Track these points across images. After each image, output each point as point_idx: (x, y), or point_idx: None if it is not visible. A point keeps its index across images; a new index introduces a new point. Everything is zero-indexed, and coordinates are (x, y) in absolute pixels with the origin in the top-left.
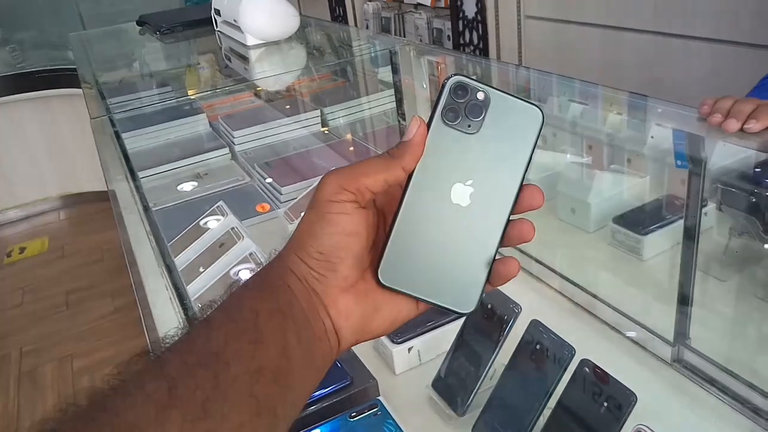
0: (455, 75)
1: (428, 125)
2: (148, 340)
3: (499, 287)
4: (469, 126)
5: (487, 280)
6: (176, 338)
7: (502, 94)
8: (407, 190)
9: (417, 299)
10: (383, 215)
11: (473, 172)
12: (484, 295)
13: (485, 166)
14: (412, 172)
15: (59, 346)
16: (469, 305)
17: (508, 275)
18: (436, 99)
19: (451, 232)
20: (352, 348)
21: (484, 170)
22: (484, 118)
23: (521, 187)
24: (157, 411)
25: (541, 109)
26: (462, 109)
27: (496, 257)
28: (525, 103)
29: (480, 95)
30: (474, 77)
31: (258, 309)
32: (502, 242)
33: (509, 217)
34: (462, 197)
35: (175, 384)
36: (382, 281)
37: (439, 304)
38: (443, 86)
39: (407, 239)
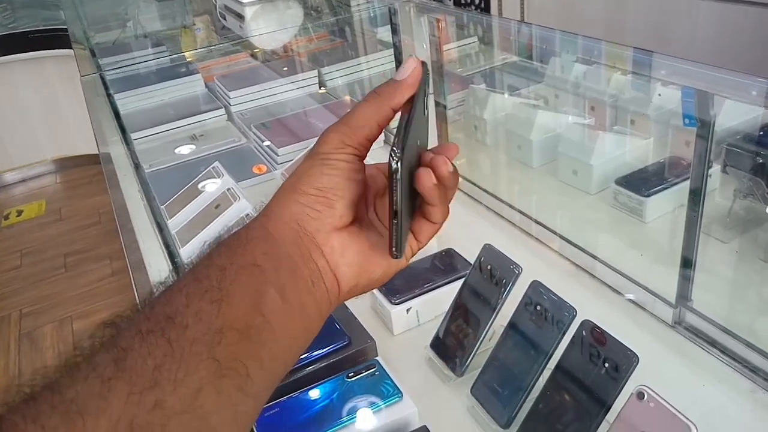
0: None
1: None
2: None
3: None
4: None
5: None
6: (142, 306)
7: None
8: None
9: None
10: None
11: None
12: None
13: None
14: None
15: (58, 308)
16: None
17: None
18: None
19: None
20: (351, 309)
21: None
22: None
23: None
24: (101, 384)
25: (423, 62)
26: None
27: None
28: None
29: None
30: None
31: (226, 265)
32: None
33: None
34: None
35: (124, 355)
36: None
37: None
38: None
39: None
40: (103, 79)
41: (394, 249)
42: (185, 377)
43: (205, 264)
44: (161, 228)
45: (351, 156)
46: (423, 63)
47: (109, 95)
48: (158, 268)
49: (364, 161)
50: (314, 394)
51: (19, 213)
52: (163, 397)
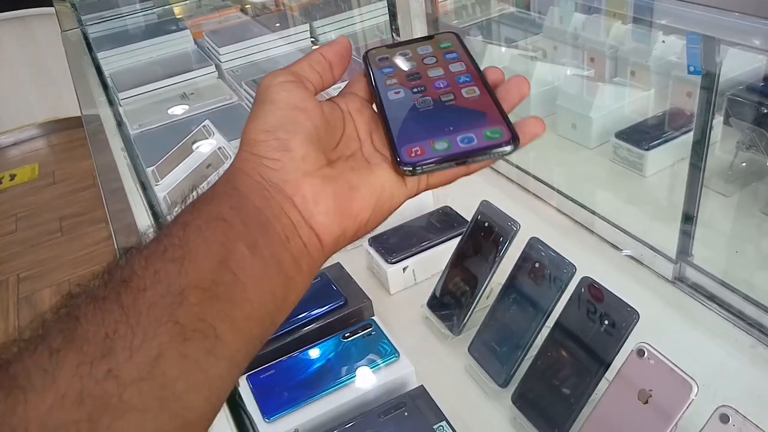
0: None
1: (376, 97)
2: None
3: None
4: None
5: (508, 119)
6: (101, 272)
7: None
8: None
9: (453, 161)
10: (352, 116)
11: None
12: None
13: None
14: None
15: (56, 272)
16: (506, 137)
17: (535, 131)
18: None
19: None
20: (346, 268)
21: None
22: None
23: (480, 70)
24: (48, 356)
25: (453, 32)
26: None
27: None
28: (438, 34)
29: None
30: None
31: (188, 222)
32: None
33: (486, 82)
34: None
35: (74, 324)
36: (407, 162)
37: (478, 148)
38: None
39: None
40: (85, 35)
41: (398, 159)
42: (142, 344)
43: (169, 224)
44: (145, 188)
45: (290, 84)
46: (456, 34)
47: (90, 50)
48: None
49: (310, 92)
50: (310, 354)
51: (12, 177)
52: (116, 366)
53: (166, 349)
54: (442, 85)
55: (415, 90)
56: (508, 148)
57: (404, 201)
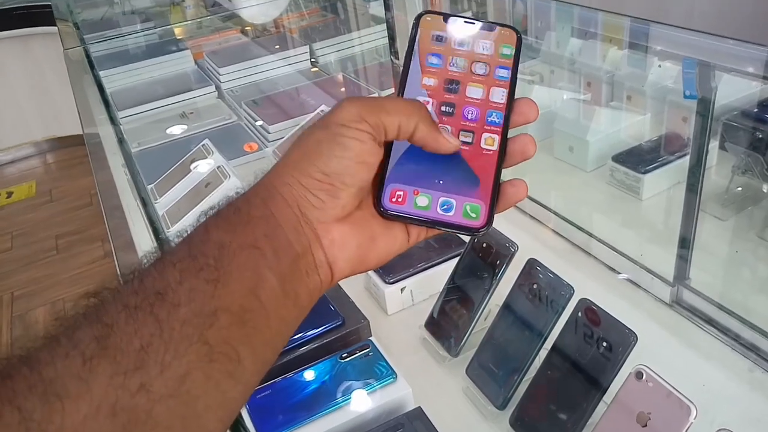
0: (426, 12)
1: (407, 61)
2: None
3: (494, 227)
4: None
5: (496, 198)
6: (129, 278)
7: (476, 21)
8: None
9: (424, 223)
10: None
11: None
12: (494, 216)
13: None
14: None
15: (51, 290)
16: (479, 222)
17: (517, 196)
18: (411, 34)
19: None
20: (344, 288)
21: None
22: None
23: (512, 103)
24: (83, 363)
25: (516, 29)
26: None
27: (502, 180)
28: (501, 26)
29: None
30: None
31: (225, 243)
32: (505, 159)
33: (507, 132)
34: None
35: (108, 332)
36: (385, 209)
37: (449, 222)
38: (416, 23)
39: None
40: (87, 53)
41: (380, 199)
42: (173, 360)
43: (202, 238)
44: (146, 204)
45: (367, 135)
46: (519, 37)
47: (92, 68)
48: (147, 249)
49: (380, 147)
50: (307, 375)
51: (9, 195)
52: (149, 380)
53: (193, 368)
54: (469, 116)
55: (443, 109)
56: (473, 233)
57: (406, 249)
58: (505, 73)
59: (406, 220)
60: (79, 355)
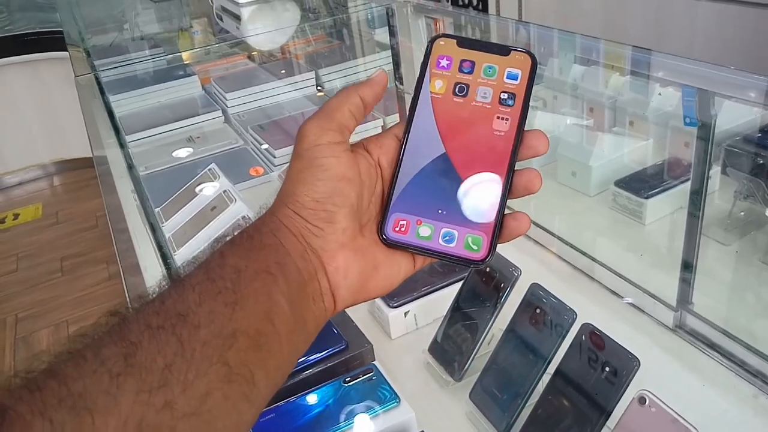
0: (441, 35)
1: (418, 85)
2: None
3: (497, 251)
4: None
5: (498, 231)
6: (149, 298)
7: (490, 45)
8: (404, 143)
9: (426, 253)
10: (381, 169)
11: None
12: (496, 247)
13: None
14: (408, 129)
15: (55, 312)
16: (479, 255)
17: (519, 230)
18: (423, 58)
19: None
20: (348, 312)
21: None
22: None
23: (521, 134)
24: (110, 379)
25: (532, 55)
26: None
27: (506, 212)
28: (515, 51)
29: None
30: (459, 35)
31: (241, 268)
32: (510, 192)
33: (513, 164)
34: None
35: (133, 350)
36: (388, 237)
37: (450, 253)
38: (429, 47)
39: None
40: (98, 79)
41: (383, 226)
42: (195, 379)
43: (218, 263)
44: (154, 229)
45: (337, 147)
46: (533, 56)
47: (103, 94)
48: (153, 272)
49: (356, 154)
50: (311, 399)
51: (16, 216)
52: (172, 398)
53: (213, 388)
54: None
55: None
56: (473, 264)
57: (409, 276)
58: (516, 101)
59: (408, 249)
60: (106, 371)
